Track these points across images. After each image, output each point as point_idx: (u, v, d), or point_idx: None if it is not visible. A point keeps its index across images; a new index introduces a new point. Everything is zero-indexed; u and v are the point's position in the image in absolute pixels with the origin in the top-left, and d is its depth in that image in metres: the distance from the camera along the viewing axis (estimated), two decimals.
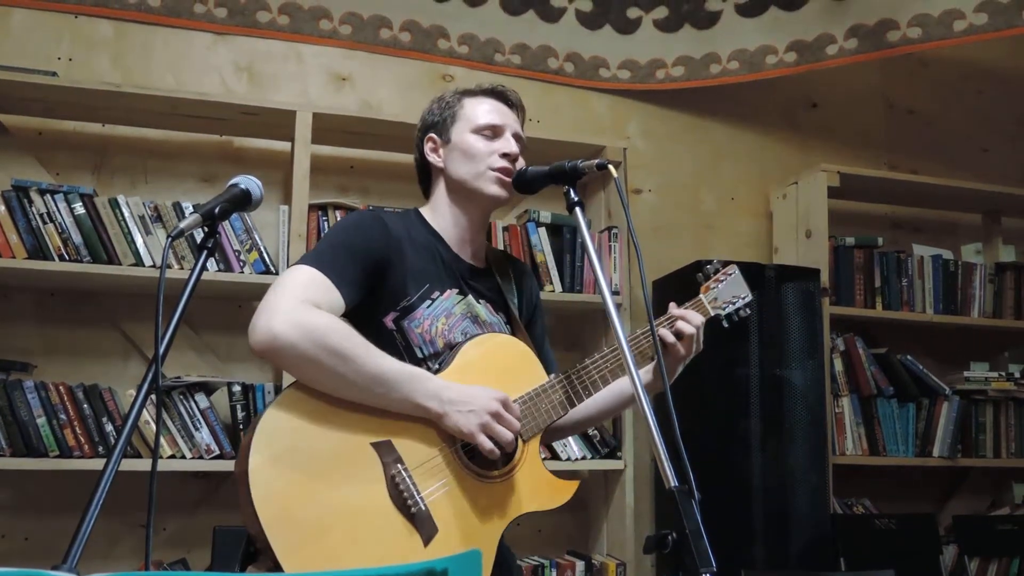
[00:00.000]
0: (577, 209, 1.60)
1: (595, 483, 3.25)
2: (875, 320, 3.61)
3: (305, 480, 1.43)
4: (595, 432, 3.11)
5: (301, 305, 1.47)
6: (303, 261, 1.57)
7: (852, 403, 3.45)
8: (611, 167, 1.59)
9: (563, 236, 3.16)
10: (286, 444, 1.44)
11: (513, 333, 1.78)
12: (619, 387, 1.80)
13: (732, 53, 3.66)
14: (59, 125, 3.03)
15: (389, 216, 1.73)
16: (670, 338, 1.73)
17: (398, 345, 1.65)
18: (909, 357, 3.60)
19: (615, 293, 3.18)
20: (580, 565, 3.09)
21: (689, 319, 1.76)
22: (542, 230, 3.13)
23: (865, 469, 3.53)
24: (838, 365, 3.45)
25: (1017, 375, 3.72)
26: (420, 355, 1.66)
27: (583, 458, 3.07)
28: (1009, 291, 3.75)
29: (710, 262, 1.95)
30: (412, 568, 0.74)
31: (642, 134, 3.71)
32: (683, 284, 1.81)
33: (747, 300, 1.93)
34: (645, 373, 1.79)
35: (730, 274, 1.93)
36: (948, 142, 4.13)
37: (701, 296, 1.88)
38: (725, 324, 1.91)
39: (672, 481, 1.27)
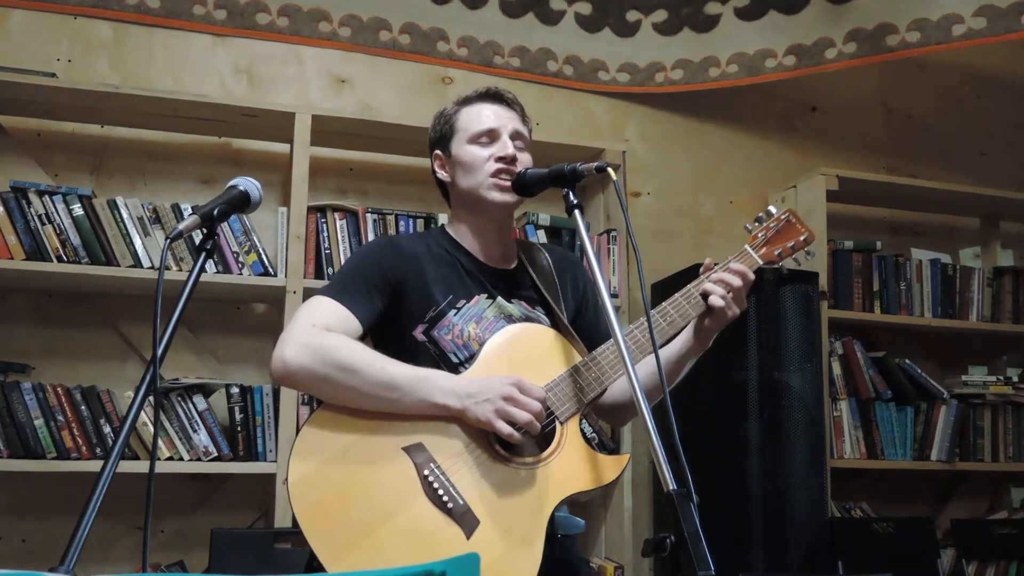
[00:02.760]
0: (576, 212, 1.60)
1: None
2: (873, 324, 3.61)
3: (342, 490, 1.49)
4: (594, 435, 3.10)
5: (311, 330, 1.56)
6: (318, 293, 1.66)
7: (850, 406, 3.45)
8: (610, 170, 1.59)
9: (562, 239, 3.16)
10: (321, 459, 1.51)
11: (554, 324, 1.78)
12: (664, 353, 1.75)
13: (731, 57, 3.66)
14: (58, 126, 3.03)
15: (404, 237, 1.83)
16: (719, 302, 1.67)
17: (432, 355, 1.68)
18: (907, 361, 3.60)
19: (614, 296, 3.18)
20: None
21: (728, 281, 1.70)
22: (541, 232, 3.13)
23: (863, 473, 3.53)
24: (836, 368, 3.45)
25: (1015, 379, 3.72)
26: (455, 360, 1.68)
27: None
28: (1007, 295, 3.75)
29: (762, 214, 1.82)
30: (410, 570, 0.74)
31: (641, 137, 3.71)
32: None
33: (805, 238, 1.81)
34: (686, 336, 1.75)
35: (783, 219, 1.82)
36: (946, 146, 4.13)
37: (746, 246, 1.81)
38: (784, 270, 1.81)
39: (671, 484, 1.27)
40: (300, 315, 1.61)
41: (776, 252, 1.80)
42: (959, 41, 3.45)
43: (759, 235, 1.82)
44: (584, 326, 1.85)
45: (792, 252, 1.81)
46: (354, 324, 1.62)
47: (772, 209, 1.84)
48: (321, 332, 1.56)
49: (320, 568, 1.44)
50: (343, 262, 2.86)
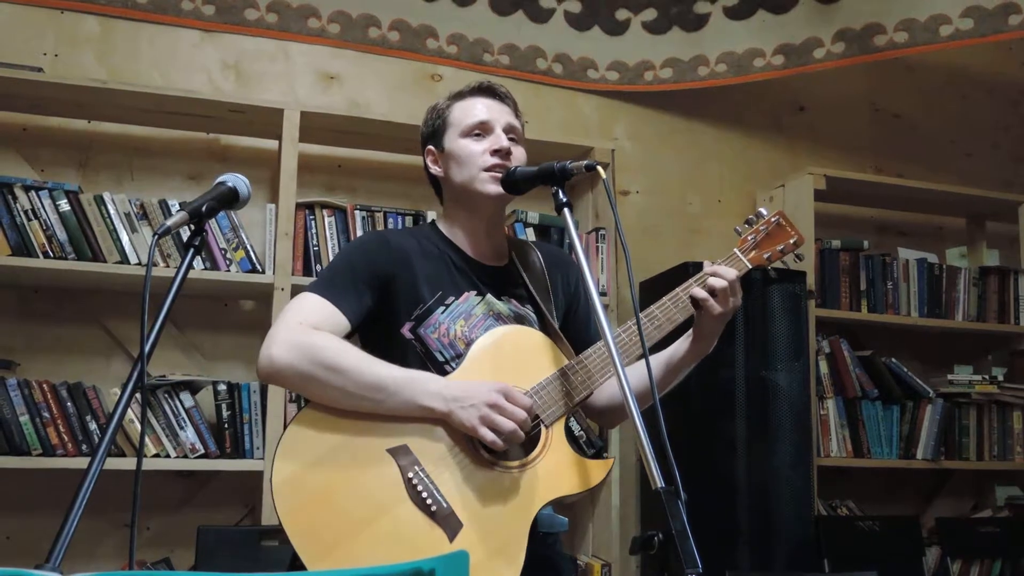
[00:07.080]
0: (565, 210, 1.60)
1: None
2: (860, 323, 3.63)
3: (326, 491, 1.48)
4: (581, 433, 3.11)
5: (298, 328, 1.55)
6: (307, 289, 1.65)
7: (837, 405, 3.46)
8: (599, 168, 1.59)
9: (551, 237, 3.16)
10: (305, 459, 1.50)
11: (542, 323, 1.78)
12: (658, 358, 1.77)
13: (720, 56, 3.67)
14: (44, 121, 3.01)
15: (394, 233, 1.80)
16: (701, 294, 1.68)
17: (418, 353, 1.67)
18: (894, 360, 3.62)
19: (602, 294, 3.19)
20: None
21: (721, 274, 1.70)
22: (530, 231, 3.13)
23: (849, 471, 3.55)
24: (823, 367, 3.47)
25: (1000, 378, 3.74)
26: (441, 359, 1.67)
27: None
28: (993, 295, 3.77)
29: (752, 217, 1.83)
30: (399, 568, 0.74)
31: (630, 135, 3.72)
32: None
33: (794, 242, 1.82)
34: (683, 340, 1.75)
35: (773, 222, 1.82)
36: (933, 146, 4.16)
37: (735, 250, 1.81)
38: (773, 274, 1.81)
39: (659, 482, 1.27)
40: (288, 312, 1.60)
41: (765, 256, 1.80)
42: (946, 42, 3.47)
43: (749, 238, 1.82)
44: (574, 326, 1.85)
45: (781, 255, 1.82)
46: (342, 322, 1.61)
47: (763, 211, 1.84)
48: (308, 330, 1.55)
49: (302, 568, 1.44)
50: (332, 256, 2.85)
